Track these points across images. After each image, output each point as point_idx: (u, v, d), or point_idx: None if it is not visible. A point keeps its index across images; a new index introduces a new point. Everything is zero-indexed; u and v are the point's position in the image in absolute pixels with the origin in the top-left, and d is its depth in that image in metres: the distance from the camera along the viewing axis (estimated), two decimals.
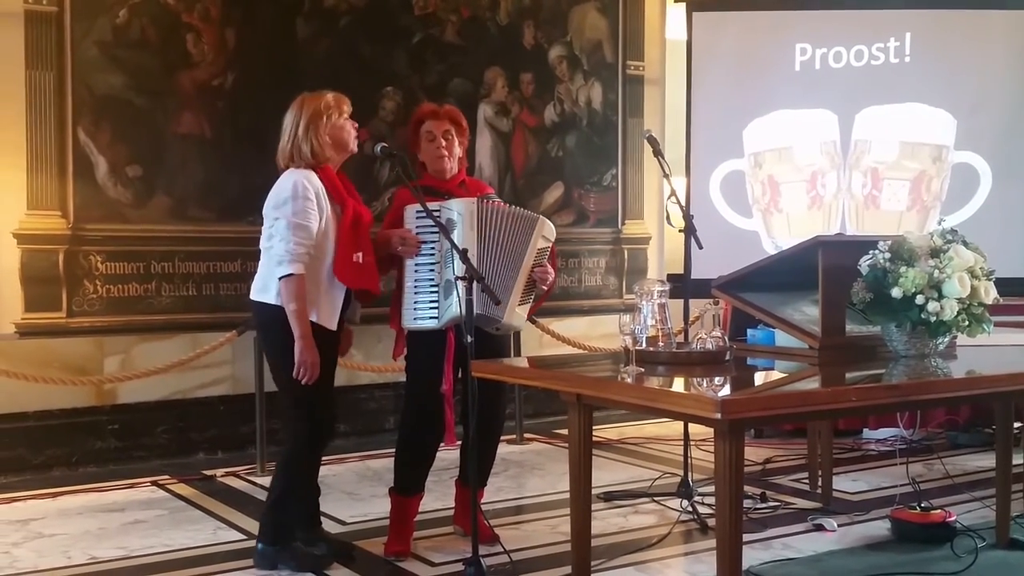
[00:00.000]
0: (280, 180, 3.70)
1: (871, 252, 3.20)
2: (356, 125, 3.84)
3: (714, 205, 6.72)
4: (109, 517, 4.67)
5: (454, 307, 3.70)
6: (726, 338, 3.17)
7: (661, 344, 3.10)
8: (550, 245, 3.98)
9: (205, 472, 5.53)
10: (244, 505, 4.78)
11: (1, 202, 5.13)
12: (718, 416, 2.23)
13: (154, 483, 5.35)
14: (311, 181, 3.66)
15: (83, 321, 5.38)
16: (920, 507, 4.19)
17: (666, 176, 4.81)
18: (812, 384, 2.89)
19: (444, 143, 3.98)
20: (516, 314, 3.88)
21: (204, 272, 5.69)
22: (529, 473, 5.52)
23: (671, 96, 7.36)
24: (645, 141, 4.94)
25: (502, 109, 6.70)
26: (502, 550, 3.86)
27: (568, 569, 3.29)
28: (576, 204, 7.05)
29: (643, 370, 2.78)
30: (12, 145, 5.16)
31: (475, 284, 3.51)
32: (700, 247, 4.67)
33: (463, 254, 3.52)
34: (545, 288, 3.99)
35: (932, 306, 3.10)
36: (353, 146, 3.83)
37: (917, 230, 3.57)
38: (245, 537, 4.25)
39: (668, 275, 6.89)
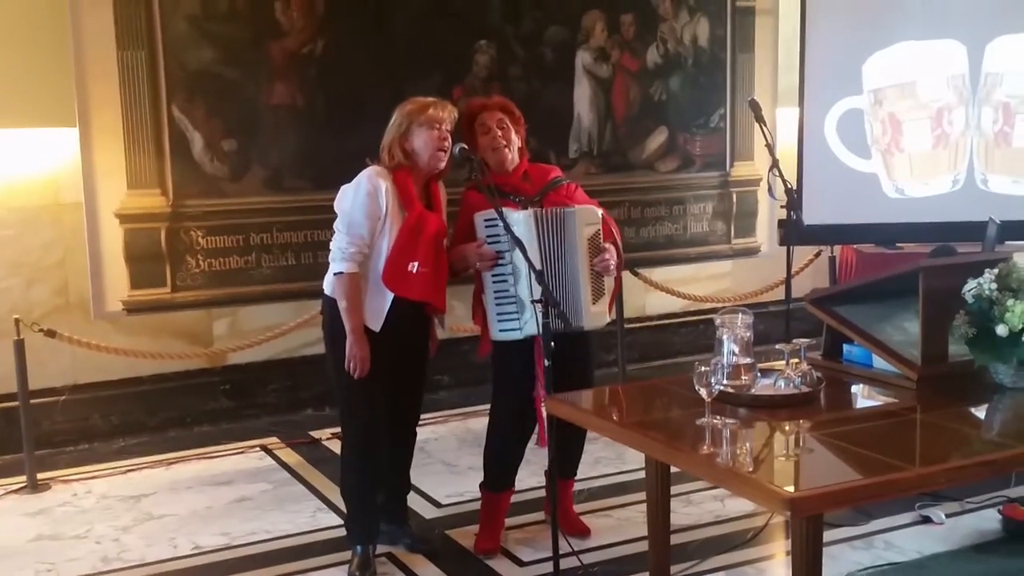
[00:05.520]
0: None
1: (976, 280, 2.95)
2: (447, 141, 3.73)
3: (829, 146, 6.34)
4: (216, 493, 4.84)
5: (531, 324, 3.68)
6: (813, 372, 3.00)
7: (745, 378, 2.96)
8: (598, 227, 3.83)
9: (312, 434, 5.68)
10: None
11: (102, 183, 5.20)
12: (788, 515, 2.10)
13: (263, 447, 5.52)
14: (375, 180, 3.66)
15: (187, 295, 5.48)
16: None
17: (768, 146, 4.60)
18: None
19: (500, 132, 3.88)
20: (594, 314, 3.81)
21: (302, 241, 5.69)
22: None
23: (784, 27, 6.91)
24: (752, 93, 4.75)
25: (601, 55, 6.39)
26: (588, 549, 3.91)
27: None
28: (681, 149, 6.75)
29: (718, 430, 2.64)
30: (109, 125, 5.19)
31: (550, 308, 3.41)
32: (802, 225, 4.50)
33: (539, 276, 3.42)
34: (613, 275, 3.88)
35: None
36: (433, 162, 3.74)
37: None
38: (342, 522, 4.32)
39: (779, 221, 6.61)
